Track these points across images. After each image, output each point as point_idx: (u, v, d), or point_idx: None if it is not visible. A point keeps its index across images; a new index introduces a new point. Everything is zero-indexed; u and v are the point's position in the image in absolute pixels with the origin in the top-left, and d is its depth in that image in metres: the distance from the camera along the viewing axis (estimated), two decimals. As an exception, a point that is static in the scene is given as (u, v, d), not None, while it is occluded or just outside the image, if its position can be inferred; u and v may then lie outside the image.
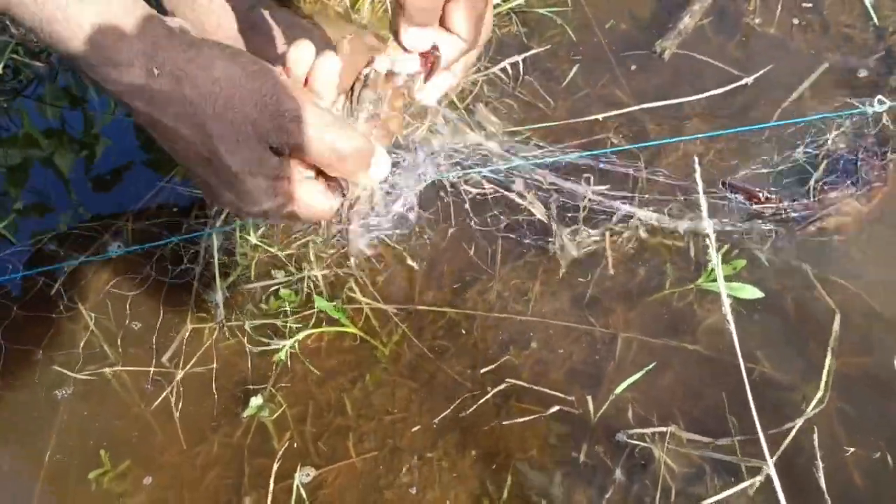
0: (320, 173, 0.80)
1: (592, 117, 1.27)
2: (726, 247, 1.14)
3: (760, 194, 1.18)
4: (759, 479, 0.97)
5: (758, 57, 1.35)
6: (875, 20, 1.36)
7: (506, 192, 1.22)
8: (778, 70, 1.30)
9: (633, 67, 1.36)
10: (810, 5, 1.40)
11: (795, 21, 1.38)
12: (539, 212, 1.19)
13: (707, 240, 0.86)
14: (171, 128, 0.74)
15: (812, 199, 1.18)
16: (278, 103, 0.74)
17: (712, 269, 1.10)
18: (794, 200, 1.18)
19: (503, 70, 1.35)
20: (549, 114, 1.31)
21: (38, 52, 1.45)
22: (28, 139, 1.36)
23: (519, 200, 1.20)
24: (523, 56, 1.35)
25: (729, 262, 1.10)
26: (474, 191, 1.23)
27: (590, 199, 1.18)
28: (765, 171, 1.22)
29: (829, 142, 1.22)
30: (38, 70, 1.43)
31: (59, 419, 1.12)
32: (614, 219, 1.19)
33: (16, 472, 1.10)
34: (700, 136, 1.24)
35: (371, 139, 0.80)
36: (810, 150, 1.22)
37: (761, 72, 1.27)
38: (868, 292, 1.11)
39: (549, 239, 1.19)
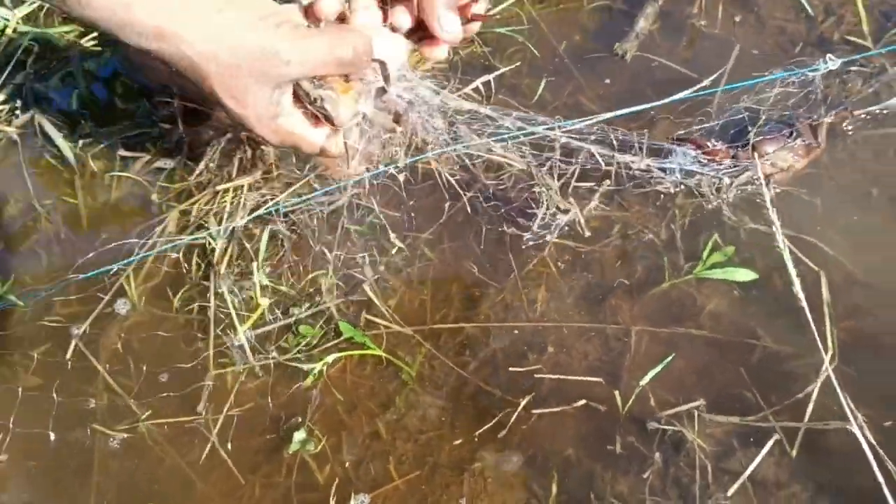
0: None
1: (570, 124, 1.33)
2: (715, 236, 1.22)
3: (708, 143, 1.27)
4: (774, 438, 1.05)
5: (707, 55, 1.44)
6: (809, 11, 1.47)
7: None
8: (733, 68, 1.39)
9: (595, 76, 1.43)
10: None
11: (737, 19, 1.48)
12: (518, 162, 1.24)
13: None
14: (184, 79, 0.87)
15: (750, 150, 1.27)
16: (276, 53, 0.85)
17: (707, 258, 1.18)
18: (737, 149, 1.27)
19: (475, 90, 1.40)
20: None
21: (3, 118, 1.43)
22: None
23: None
24: (493, 75, 1.40)
25: (719, 249, 1.19)
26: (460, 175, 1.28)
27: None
28: (710, 125, 1.31)
29: (770, 101, 1.31)
30: (8, 134, 1.41)
31: (96, 482, 1.11)
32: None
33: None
34: (656, 104, 1.30)
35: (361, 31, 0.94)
36: (753, 107, 1.31)
37: (718, 73, 1.35)
38: (834, 248, 1.20)
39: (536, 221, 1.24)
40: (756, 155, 1.25)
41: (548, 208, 1.23)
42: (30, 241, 1.33)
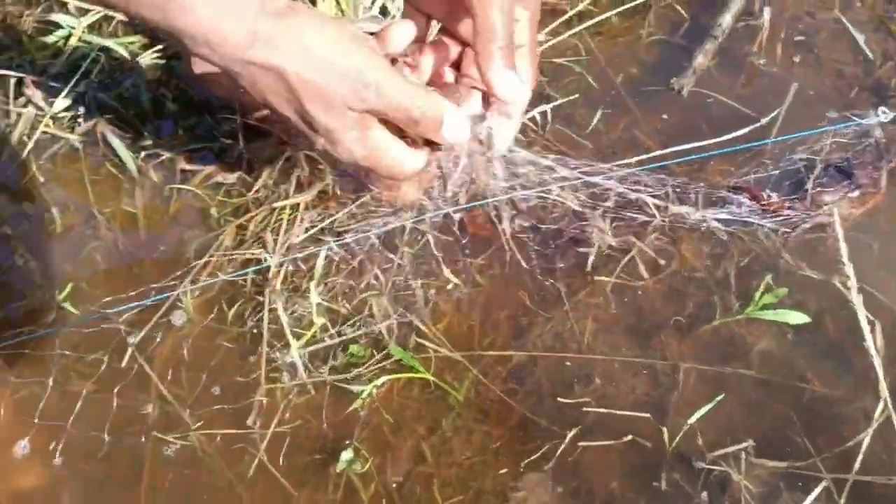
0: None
1: (624, 161, 1.34)
2: (769, 277, 1.22)
3: (763, 194, 1.27)
4: (822, 485, 1.04)
5: (765, 93, 1.44)
6: (868, 55, 1.47)
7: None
8: (789, 108, 1.39)
9: (651, 109, 1.44)
10: (802, 38, 1.51)
11: (796, 59, 1.48)
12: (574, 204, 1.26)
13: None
14: (268, 91, 0.88)
15: (808, 201, 1.27)
16: (359, 74, 0.87)
17: (759, 299, 1.18)
18: (793, 201, 1.27)
19: (531, 119, 1.41)
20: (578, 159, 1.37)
21: (66, 125, 1.46)
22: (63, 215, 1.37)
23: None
24: (550, 105, 1.41)
25: (771, 290, 1.19)
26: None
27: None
28: (765, 174, 1.32)
29: (826, 149, 1.32)
30: (71, 142, 1.45)
31: (144, 487, 1.13)
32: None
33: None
34: (712, 145, 1.31)
35: (444, 103, 0.93)
36: (806, 156, 1.32)
37: (775, 112, 1.36)
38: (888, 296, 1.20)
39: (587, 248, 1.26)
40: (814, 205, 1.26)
41: (600, 248, 1.25)
42: (88, 248, 1.35)
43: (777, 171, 1.31)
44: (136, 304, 1.24)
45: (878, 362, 0.98)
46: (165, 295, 1.25)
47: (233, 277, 1.27)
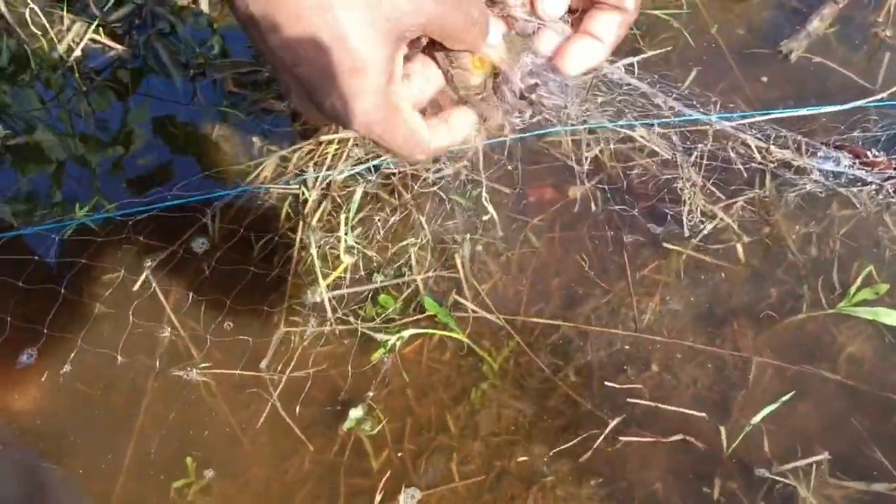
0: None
1: (717, 126, 1.18)
2: (869, 268, 1.04)
3: (869, 153, 1.10)
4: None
5: (887, 69, 1.25)
6: None
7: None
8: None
9: (753, 73, 1.27)
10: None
11: (928, 33, 1.29)
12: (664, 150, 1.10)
13: None
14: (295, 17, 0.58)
15: None
16: None
17: (855, 293, 1.01)
18: None
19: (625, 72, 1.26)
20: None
21: (119, 35, 1.38)
22: (102, 128, 1.29)
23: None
24: (638, 58, 1.26)
25: (871, 285, 1.01)
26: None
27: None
28: (871, 136, 1.15)
29: None
30: (121, 54, 1.36)
31: (140, 422, 1.04)
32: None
33: (93, 475, 1.02)
34: (825, 109, 1.15)
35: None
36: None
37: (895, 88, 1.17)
38: None
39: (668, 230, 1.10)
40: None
41: (690, 210, 1.09)
42: (124, 163, 1.27)
43: (888, 134, 1.12)
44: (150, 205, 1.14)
45: None
46: (184, 201, 1.15)
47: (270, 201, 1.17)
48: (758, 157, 1.07)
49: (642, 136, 1.12)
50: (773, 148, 1.05)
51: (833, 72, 1.25)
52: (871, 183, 1.07)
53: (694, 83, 1.26)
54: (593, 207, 1.15)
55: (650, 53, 1.29)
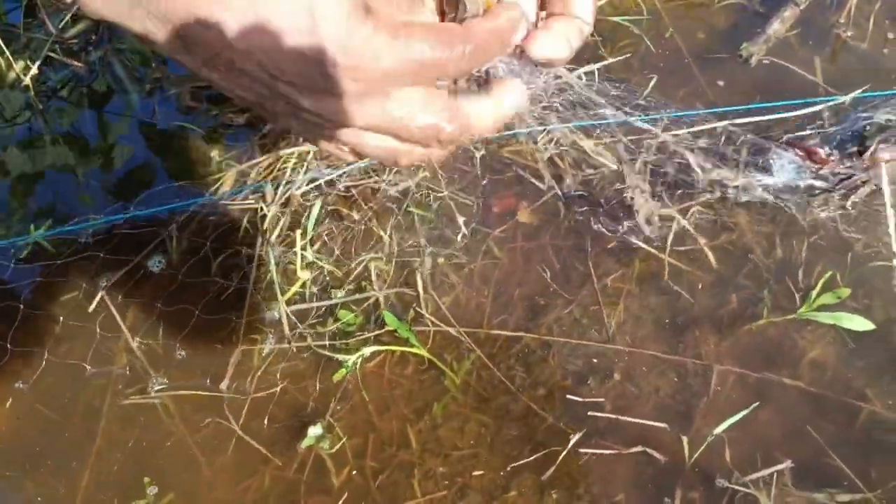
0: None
1: (679, 132, 1.17)
2: (830, 273, 1.04)
3: (822, 151, 1.09)
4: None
5: (847, 70, 1.25)
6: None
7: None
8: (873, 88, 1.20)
9: (714, 78, 1.26)
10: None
11: (890, 35, 1.29)
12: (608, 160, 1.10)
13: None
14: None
15: (864, 160, 1.09)
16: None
17: (816, 297, 1.01)
18: (852, 158, 1.09)
19: (577, 78, 1.25)
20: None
21: (75, 52, 1.37)
22: (58, 144, 1.28)
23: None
24: (598, 65, 1.25)
25: (833, 289, 1.01)
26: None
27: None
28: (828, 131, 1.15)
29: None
30: (77, 70, 1.35)
31: (98, 446, 1.03)
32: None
33: (49, 499, 1.00)
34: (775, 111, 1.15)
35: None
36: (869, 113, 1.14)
37: (859, 91, 1.17)
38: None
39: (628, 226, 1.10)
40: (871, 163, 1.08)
41: (648, 219, 1.09)
42: (82, 180, 1.25)
43: (839, 129, 1.12)
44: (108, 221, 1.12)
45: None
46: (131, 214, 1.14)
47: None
48: (700, 174, 1.07)
49: (591, 149, 1.11)
50: (716, 169, 1.05)
51: (794, 74, 1.25)
52: (823, 191, 1.07)
53: (655, 90, 1.25)
54: (557, 215, 1.14)
55: (611, 60, 1.28)
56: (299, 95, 0.53)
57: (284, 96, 0.53)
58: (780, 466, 0.93)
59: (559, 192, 1.15)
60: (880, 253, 1.06)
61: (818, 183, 1.06)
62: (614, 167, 1.11)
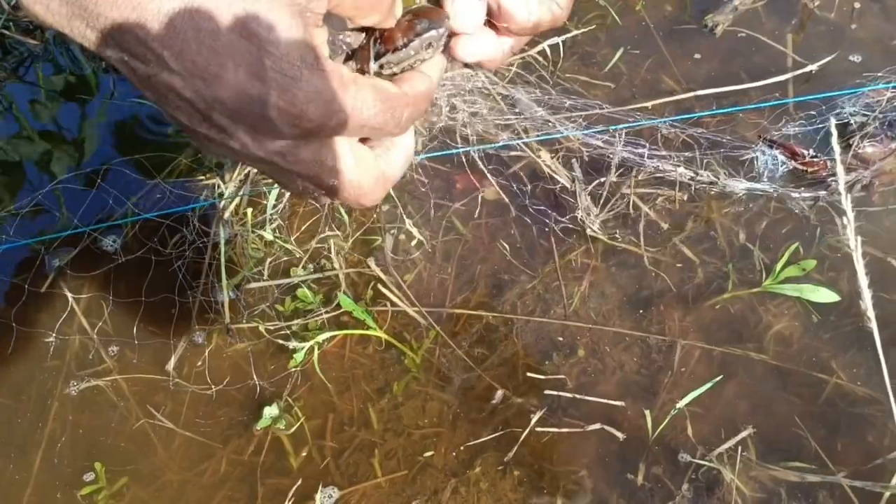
0: None
1: (640, 105, 1.16)
2: (795, 245, 1.02)
3: (805, 152, 1.08)
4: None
5: (815, 40, 1.24)
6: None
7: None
8: (839, 57, 1.19)
9: (682, 50, 1.24)
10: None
11: (857, 5, 1.27)
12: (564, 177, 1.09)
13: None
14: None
15: (849, 155, 1.08)
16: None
17: (780, 270, 0.99)
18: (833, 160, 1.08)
19: (541, 53, 1.23)
20: (591, 100, 1.19)
21: (31, 30, 1.33)
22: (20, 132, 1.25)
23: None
24: (563, 38, 1.23)
25: (797, 262, 1.00)
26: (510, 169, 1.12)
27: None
28: (809, 129, 1.13)
29: (883, 104, 1.12)
30: (32, 49, 1.32)
31: (50, 429, 1.00)
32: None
33: (1, 483, 0.98)
34: (747, 107, 1.13)
35: None
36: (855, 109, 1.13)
37: (827, 59, 1.16)
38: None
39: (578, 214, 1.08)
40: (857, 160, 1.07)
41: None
42: (41, 156, 1.23)
43: (814, 126, 1.11)
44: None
45: (877, 336, 0.76)
46: (103, 225, 1.11)
47: (176, 211, 1.13)
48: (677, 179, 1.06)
49: (545, 163, 1.10)
50: (681, 170, 1.04)
51: (762, 45, 1.23)
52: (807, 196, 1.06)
53: (621, 61, 1.23)
54: (518, 195, 1.12)
55: (576, 32, 1.26)
56: (235, 129, 0.51)
57: (218, 126, 0.51)
58: (742, 434, 0.92)
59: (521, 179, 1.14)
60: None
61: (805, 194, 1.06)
62: (568, 185, 1.10)
